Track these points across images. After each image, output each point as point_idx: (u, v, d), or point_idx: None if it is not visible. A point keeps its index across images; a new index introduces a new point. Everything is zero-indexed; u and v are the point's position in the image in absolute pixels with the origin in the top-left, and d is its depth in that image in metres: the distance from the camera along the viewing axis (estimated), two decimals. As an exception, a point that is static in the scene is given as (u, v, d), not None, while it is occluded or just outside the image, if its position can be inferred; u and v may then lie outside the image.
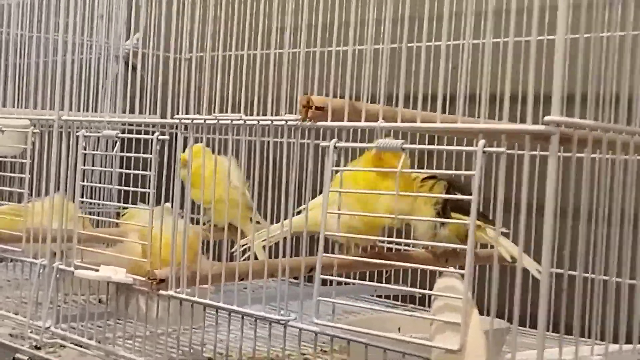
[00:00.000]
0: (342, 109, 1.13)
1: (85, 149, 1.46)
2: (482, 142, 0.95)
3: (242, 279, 1.35)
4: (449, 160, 1.83)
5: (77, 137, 1.48)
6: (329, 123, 1.12)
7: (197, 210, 1.38)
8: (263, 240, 1.41)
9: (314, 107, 1.13)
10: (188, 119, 1.29)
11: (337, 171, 1.11)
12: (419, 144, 1.11)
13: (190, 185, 1.44)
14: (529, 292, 1.64)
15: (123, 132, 1.42)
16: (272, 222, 1.35)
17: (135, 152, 1.41)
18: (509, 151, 0.99)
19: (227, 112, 1.25)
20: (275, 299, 1.23)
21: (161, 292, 1.32)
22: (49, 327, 1.52)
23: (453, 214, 1.58)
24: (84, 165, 1.46)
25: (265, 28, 1.27)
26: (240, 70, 1.26)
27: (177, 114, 1.33)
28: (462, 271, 0.98)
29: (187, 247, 1.32)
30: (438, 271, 1.07)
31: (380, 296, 2.03)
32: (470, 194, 1.75)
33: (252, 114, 1.23)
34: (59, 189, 1.55)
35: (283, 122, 1.17)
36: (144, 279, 1.33)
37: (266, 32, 1.25)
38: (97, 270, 1.39)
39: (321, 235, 1.10)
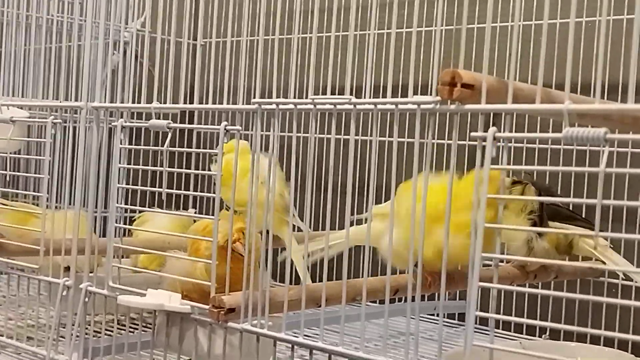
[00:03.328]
0: (499, 89, 0.79)
1: (122, 142, 1.11)
2: None
3: (318, 305, 1.03)
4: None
5: (111, 128, 1.13)
6: (484, 106, 0.79)
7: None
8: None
9: (459, 85, 0.79)
10: (271, 103, 0.95)
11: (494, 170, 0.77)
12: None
13: (221, 185, 1.13)
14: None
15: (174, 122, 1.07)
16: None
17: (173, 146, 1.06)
18: None
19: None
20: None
21: (230, 324, 0.98)
22: (75, 363, 1.16)
23: (551, 224, 1.27)
24: (122, 162, 1.11)
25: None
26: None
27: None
28: None
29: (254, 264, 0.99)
30: None
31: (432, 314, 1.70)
32: (559, 197, 1.45)
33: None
34: (86, 192, 1.19)
35: (414, 106, 0.83)
36: (207, 307, 0.99)
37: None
38: (142, 295, 1.04)
39: (476, 255, 0.77)
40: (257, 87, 0.98)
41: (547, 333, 1.52)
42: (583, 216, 1.34)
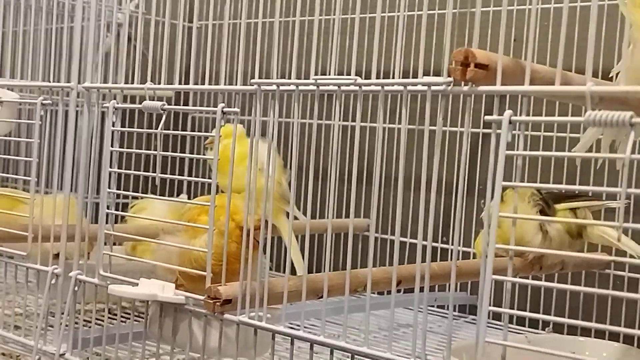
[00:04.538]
0: (514, 71, 0.75)
1: (114, 125, 1.06)
2: None
3: (318, 296, 0.98)
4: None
5: (103, 111, 1.08)
6: (500, 87, 0.74)
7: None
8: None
9: (472, 65, 0.74)
10: (271, 84, 0.90)
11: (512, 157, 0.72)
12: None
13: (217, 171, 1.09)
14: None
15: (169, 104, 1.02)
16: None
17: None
18: None
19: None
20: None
21: (227, 316, 0.93)
22: (64, 354, 1.11)
23: (557, 206, 1.22)
24: (114, 145, 1.06)
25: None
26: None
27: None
28: None
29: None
30: None
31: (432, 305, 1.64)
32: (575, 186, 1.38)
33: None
34: (76, 176, 1.14)
35: (424, 87, 0.78)
36: (202, 298, 0.94)
37: None
38: (135, 285, 0.99)
39: (488, 251, 0.72)
40: (257, 68, 0.93)
41: (550, 326, 1.48)
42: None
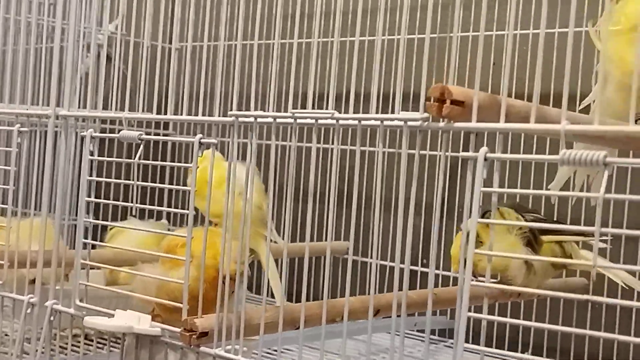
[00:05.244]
0: (490, 106, 0.75)
1: (92, 154, 1.05)
2: None
3: (296, 327, 0.98)
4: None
5: (82, 138, 1.07)
6: (476, 124, 0.74)
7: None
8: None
9: (448, 102, 0.74)
10: (249, 116, 0.89)
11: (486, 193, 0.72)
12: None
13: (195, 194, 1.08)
14: None
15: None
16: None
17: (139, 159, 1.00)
18: None
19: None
20: None
21: (203, 349, 0.92)
22: (40, 385, 1.10)
23: (544, 238, 1.22)
24: (91, 174, 1.05)
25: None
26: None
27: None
28: None
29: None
30: None
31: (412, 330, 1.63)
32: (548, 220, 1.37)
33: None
34: (53, 204, 1.13)
35: (400, 123, 0.78)
36: (178, 330, 0.93)
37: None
38: (111, 316, 0.98)
39: (465, 278, 0.72)
40: (235, 95, 0.92)
41: (529, 351, 1.48)
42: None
